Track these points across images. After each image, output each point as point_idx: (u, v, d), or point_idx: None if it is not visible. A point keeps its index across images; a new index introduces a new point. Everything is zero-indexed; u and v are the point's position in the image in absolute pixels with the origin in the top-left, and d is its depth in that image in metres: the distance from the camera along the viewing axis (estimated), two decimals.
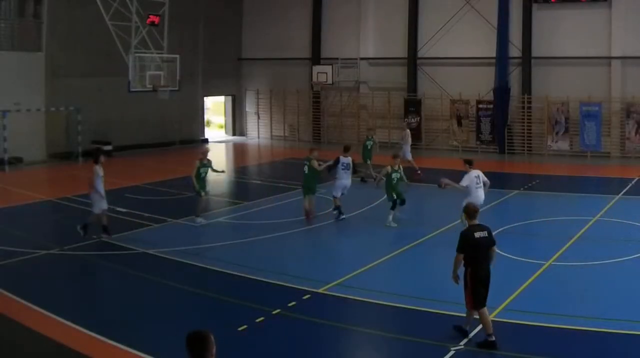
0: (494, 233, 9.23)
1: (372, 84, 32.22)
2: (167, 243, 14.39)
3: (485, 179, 14.52)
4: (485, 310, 8.92)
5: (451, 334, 9.20)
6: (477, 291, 8.80)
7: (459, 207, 17.37)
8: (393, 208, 15.87)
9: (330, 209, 16.93)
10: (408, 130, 23.94)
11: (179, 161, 27.46)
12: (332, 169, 17.21)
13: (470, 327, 9.16)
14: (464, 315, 9.25)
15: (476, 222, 9.09)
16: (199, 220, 16.20)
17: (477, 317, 8.97)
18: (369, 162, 21.68)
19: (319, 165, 16.75)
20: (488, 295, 8.94)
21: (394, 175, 15.85)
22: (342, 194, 16.84)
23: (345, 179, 16.86)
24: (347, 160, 17.02)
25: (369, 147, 21.75)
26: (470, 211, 9.19)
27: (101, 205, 14.74)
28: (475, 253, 8.82)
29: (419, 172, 19.90)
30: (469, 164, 14.48)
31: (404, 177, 16.61)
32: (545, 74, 28.03)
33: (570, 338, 9.16)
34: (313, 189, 16.77)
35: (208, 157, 16.49)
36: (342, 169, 16.92)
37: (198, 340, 4.88)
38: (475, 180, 14.14)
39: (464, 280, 8.94)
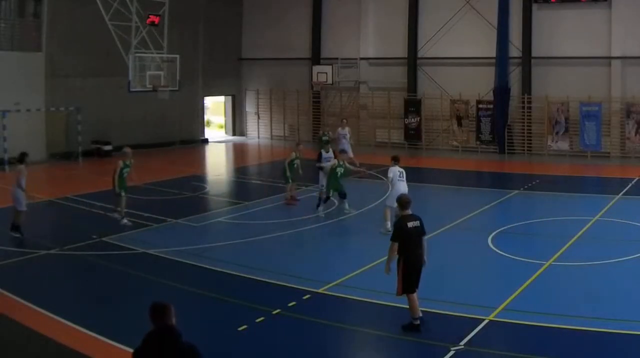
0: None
1: (372, 84, 32.20)
2: (167, 243, 14.39)
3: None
4: (415, 295, 9.30)
5: (448, 334, 9.20)
6: (409, 277, 9.24)
7: (459, 206, 17.75)
8: (344, 197, 16.98)
9: (331, 208, 17.42)
10: (348, 128, 24.42)
11: (178, 161, 27.54)
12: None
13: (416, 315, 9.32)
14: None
15: (409, 212, 9.54)
16: (124, 221, 16.05)
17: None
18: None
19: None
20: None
21: (337, 169, 16.91)
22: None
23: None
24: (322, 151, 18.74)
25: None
26: (403, 202, 9.66)
27: (22, 204, 14.89)
28: (407, 242, 9.27)
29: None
30: (394, 160, 15.62)
31: (348, 173, 17.67)
32: (545, 74, 28.01)
33: (570, 338, 9.15)
34: (286, 179, 18.34)
35: (131, 159, 16.51)
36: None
37: (160, 309, 5.54)
38: (398, 174, 15.28)
39: (396, 268, 9.32)
